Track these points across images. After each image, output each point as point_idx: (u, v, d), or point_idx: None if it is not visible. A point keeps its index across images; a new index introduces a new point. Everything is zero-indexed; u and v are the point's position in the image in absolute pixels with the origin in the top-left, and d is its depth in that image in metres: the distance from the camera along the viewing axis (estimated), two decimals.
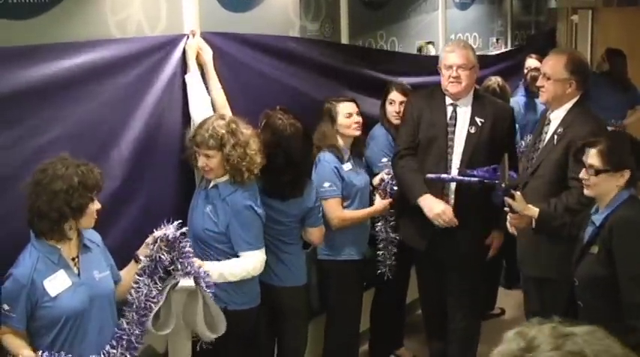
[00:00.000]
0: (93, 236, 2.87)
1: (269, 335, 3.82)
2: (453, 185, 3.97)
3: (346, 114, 4.00)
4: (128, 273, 3.00)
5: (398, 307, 4.67)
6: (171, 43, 3.39)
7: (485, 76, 5.33)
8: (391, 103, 4.35)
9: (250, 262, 3.31)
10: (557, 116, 3.73)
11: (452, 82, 3.97)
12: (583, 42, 8.49)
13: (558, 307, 3.62)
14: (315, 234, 3.79)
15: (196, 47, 3.45)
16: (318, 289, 4.16)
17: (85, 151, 2.88)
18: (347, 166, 4.02)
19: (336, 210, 3.92)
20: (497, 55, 6.45)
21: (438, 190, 3.97)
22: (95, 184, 2.70)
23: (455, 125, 4.02)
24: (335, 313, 4.12)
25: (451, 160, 3.99)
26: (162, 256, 2.88)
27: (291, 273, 3.69)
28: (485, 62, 5.44)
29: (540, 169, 3.71)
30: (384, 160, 4.24)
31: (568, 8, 8.01)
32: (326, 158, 3.93)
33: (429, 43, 5.58)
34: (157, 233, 2.91)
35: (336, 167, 3.94)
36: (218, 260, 3.30)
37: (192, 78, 3.44)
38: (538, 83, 3.83)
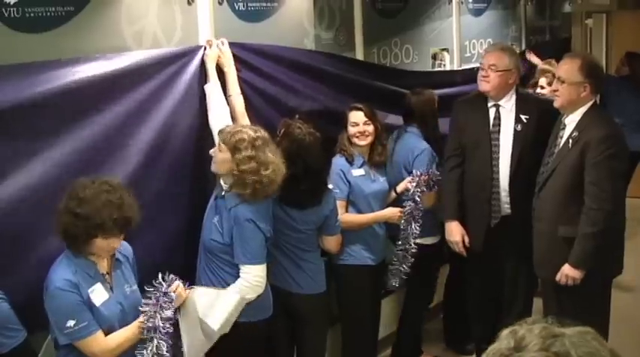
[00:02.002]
0: (126, 250, 2.88)
1: (288, 343, 3.80)
2: (504, 195, 4.04)
3: (352, 123, 4.03)
4: None
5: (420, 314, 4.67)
6: (188, 54, 3.41)
7: None
8: None
9: (251, 282, 3.23)
10: (572, 120, 3.73)
11: (481, 80, 4.08)
12: (598, 46, 8.46)
13: (577, 310, 3.59)
14: (332, 242, 3.78)
15: (215, 57, 3.47)
16: (336, 296, 4.14)
17: (101, 162, 2.93)
18: (358, 172, 4.01)
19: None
20: None
21: (486, 198, 4.06)
22: (99, 225, 2.56)
23: (499, 125, 4.08)
24: (349, 318, 4.10)
25: (498, 158, 4.05)
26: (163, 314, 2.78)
27: (311, 280, 3.67)
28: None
29: (556, 174, 3.72)
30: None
31: (582, 12, 7.97)
32: (334, 161, 3.92)
33: (443, 49, 5.57)
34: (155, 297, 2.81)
35: (342, 170, 3.94)
36: (223, 270, 3.27)
37: (212, 88, 3.45)
38: (552, 87, 3.83)
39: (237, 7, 3.75)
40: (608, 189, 3.57)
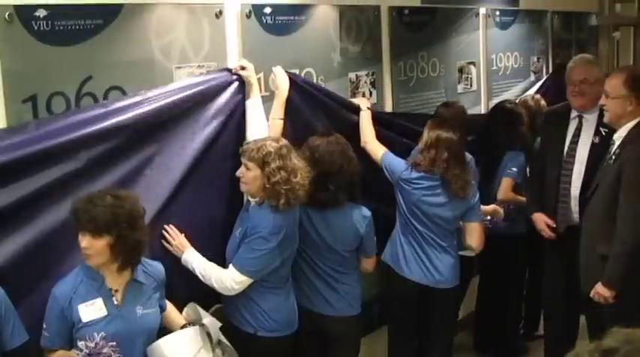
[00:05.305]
0: (155, 270, 2.85)
1: None
2: (574, 204, 4.06)
3: None
4: (174, 319, 3.02)
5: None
6: (229, 81, 3.39)
7: None
8: None
9: (227, 278, 3.17)
10: (619, 136, 3.68)
11: (574, 96, 4.12)
12: (625, 59, 8.35)
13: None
14: (368, 264, 3.75)
15: (254, 73, 3.44)
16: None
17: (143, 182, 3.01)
18: None
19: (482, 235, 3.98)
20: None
21: (553, 206, 4.16)
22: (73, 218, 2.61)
23: (579, 136, 4.12)
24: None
25: (571, 169, 4.09)
26: None
27: (345, 302, 3.61)
28: None
29: (598, 191, 3.68)
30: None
31: (610, 25, 7.86)
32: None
33: (470, 63, 5.52)
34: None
35: None
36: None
37: (254, 104, 3.43)
38: (601, 102, 3.78)
39: (264, 21, 3.73)
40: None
